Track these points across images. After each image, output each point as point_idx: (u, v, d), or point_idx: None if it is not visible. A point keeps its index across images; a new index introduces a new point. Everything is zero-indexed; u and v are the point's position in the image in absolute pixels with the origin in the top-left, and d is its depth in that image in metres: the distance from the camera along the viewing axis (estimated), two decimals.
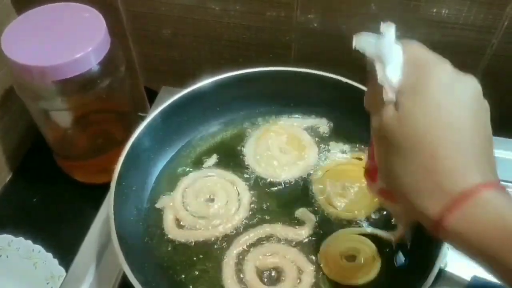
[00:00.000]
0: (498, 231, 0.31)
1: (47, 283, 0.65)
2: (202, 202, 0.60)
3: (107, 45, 0.64)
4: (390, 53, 0.37)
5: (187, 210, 0.59)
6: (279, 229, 0.57)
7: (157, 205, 0.60)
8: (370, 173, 0.44)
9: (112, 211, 0.51)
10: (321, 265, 0.54)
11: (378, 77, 0.37)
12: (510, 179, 0.65)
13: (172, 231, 0.57)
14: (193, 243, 0.57)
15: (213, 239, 0.57)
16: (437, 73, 0.36)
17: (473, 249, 0.33)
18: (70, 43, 0.61)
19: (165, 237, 0.57)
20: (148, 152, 0.62)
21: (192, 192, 0.61)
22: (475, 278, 0.45)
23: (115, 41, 0.66)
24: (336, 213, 0.59)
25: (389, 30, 0.38)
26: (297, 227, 0.58)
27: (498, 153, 0.67)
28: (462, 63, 0.70)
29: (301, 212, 0.59)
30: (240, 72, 0.64)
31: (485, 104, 0.37)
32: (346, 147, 0.66)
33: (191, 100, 0.63)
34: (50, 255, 0.68)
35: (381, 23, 0.39)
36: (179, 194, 0.61)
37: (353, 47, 0.38)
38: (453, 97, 0.35)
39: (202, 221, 0.58)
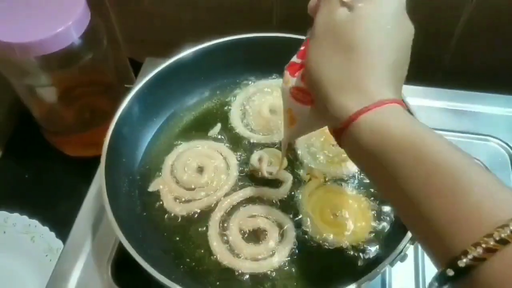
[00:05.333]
0: (395, 140, 0.34)
1: (46, 256, 0.67)
2: (192, 174, 0.61)
3: (87, 18, 0.63)
4: None
5: (180, 185, 0.60)
6: (261, 191, 0.59)
7: (150, 189, 0.60)
8: (293, 67, 0.46)
9: (104, 184, 0.52)
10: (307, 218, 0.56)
11: None
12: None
13: (174, 208, 0.58)
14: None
15: (211, 205, 0.58)
16: None
17: (368, 155, 0.36)
18: (50, 18, 0.60)
19: (158, 205, 0.59)
20: (136, 124, 0.62)
21: (180, 166, 0.61)
22: None
23: (96, 13, 0.66)
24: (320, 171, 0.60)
25: None
26: (276, 186, 0.59)
27: (480, 108, 0.71)
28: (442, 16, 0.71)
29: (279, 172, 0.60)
30: (220, 40, 0.64)
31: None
32: None
33: (175, 70, 0.63)
34: (46, 228, 0.69)
35: None
36: (168, 173, 0.61)
37: None
38: (397, 21, 0.38)
39: (199, 190, 0.59)
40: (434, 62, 0.79)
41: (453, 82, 0.75)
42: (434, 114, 0.71)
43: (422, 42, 0.76)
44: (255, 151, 0.62)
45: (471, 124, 0.69)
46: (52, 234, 0.69)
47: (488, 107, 0.71)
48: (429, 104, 0.72)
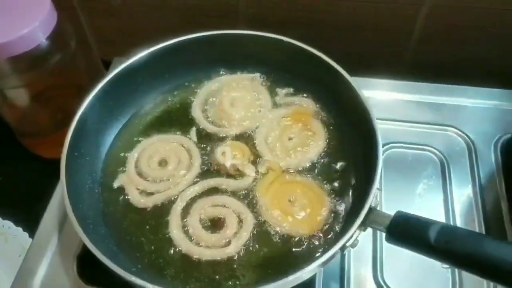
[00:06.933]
0: None
1: (19, 256, 0.68)
2: (156, 167, 0.62)
3: (54, 19, 0.64)
4: None
5: (145, 179, 0.61)
6: (222, 182, 0.60)
7: (115, 185, 0.61)
8: None
9: (65, 183, 0.53)
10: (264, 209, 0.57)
11: None
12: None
13: (140, 201, 0.59)
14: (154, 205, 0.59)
15: (175, 196, 0.59)
16: None
17: None
18: (16, 19, 0.61)
19: (121, 201, 0.59)
20: (98, 122, 0.63)
21: (144, 160, 0.62)
22: (398, 212, 0.48)
23: (63, 14, 0.66)
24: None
25: None
26: (239, 178, 0.60)
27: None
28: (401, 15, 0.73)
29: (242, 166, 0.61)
30: (182, 38, 0.65)
31: None
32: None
33: (138, 68, 0.64)
34: (20, 229, 0.70)
35: None
36: (132, 168, 0.62)
37: None
38: None
39: (163, 183, 0.61)
40: (398, 57, 0.81)
41: (416, 75, 0.76)
42: (398, 106, 0.72)
43: (386, 40, 0.78)
44: (218, 146, 0.63)
45: (432, 115, 0.71)
46: (25, 234, 0.70)
47: (448, 98, 0.73)
48: (394, 97, 0.74)
